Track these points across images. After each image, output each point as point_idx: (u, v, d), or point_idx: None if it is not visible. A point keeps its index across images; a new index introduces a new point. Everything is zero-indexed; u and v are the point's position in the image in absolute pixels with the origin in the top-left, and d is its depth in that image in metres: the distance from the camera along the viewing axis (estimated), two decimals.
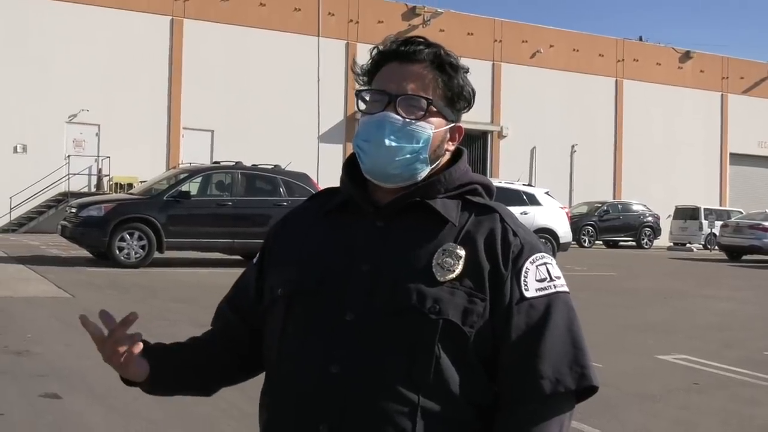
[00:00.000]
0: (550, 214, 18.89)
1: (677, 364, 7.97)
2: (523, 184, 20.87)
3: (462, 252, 1.52)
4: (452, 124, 1.62)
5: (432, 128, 1.57)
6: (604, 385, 5.75)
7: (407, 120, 1.54)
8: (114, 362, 1.57)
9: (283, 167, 17.25)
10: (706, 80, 39.30)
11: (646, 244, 31.58)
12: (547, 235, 18.36)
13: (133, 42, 27.48)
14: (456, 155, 1.64)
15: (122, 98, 27.10)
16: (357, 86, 1.65)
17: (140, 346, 1.58)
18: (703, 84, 39.19)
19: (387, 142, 1.53)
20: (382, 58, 1.59)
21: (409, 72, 1.56)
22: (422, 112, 1.55)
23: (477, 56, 31.73)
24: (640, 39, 40.04)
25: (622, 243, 31.78)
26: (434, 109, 1.57)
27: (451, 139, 1.62)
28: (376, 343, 1.48)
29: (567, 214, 20.21)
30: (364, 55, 1.66)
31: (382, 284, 1.50)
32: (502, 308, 1.51)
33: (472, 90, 1.64)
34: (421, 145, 1.55)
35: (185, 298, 10.89)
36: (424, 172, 1.57)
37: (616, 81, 37.19)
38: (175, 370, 1.67)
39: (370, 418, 1.46)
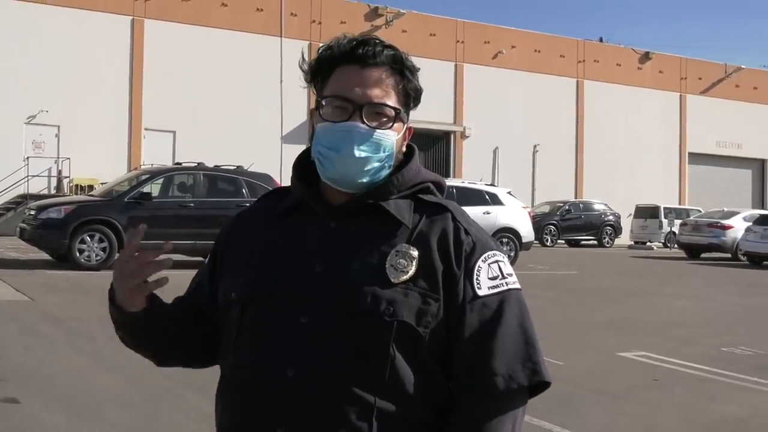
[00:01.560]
0: (513, 213, 19.00)
1: (637, 361, 8.08)
2: (486, 184, 20.97)
3: (415, 253, 1.52)
4: (406, 126, 1.61)
5: (395, 135, 1.57)
6: (566, 382, 5.82)
7: (374, 129, 1.53)
8: (130, 283, 1.52)
9: (245, 168, 17.16)
10: (665, 81, 39.83)
11: (608, 243, 31.91)
12: (509, 234, 18.47)
13: (93, 42, 27.14)
14: (407, 153, 1.64)
15: (82, 99, 26.75)
16: (306, 86, 1.62)
17: (156, 286, 1.55)
18: (662, 84, 39.72)
19: (356, 152, 1.52)
20: (337, 60, 1.56)
21: (370, 77, 1.54)
22: (387, 120, 1.55)
23: (439, 57, 31.85)
24: (601, 40, 40.48)
25: (583, 242, 32.07)
26: (398, 117, 1.57)
27: (404, 139, 1.62)
28: (331, 345, 1.48)
29: (529, 213, 20.35)
30: (312, 57, 1.63)
31: (335, 286, 1.50)
32: (456, 307, 1.52)
33: (421, 89, 1.63)
34: (387, 153, 1.55)
35: None
36: (385, 175, 1.58)
37: (577, 81, 37.54)
38: (163, 326, 1.64)
39: (327, 421, 1.47)
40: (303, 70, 1.62)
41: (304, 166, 1.63)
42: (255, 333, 1.54)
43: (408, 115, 1.61)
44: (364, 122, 1.53)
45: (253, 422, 1.51)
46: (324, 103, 1.56)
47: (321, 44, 1.65)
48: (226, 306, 1.60)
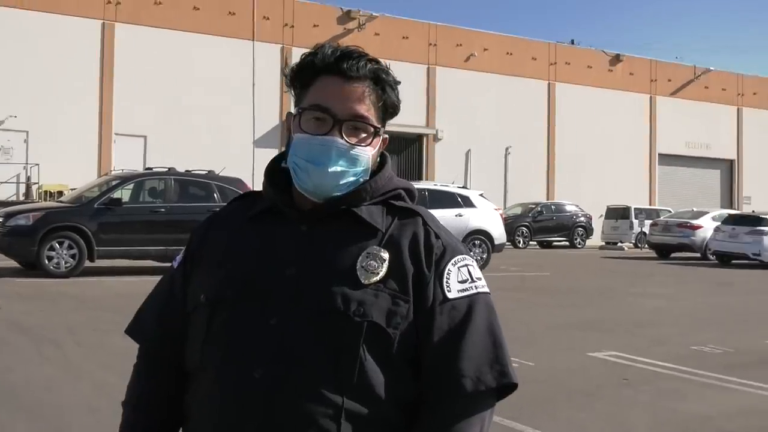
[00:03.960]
0: (485, 215, 19.04)
1: (608, 361, 8.13)
2: (458, 187, 21.01)
3: (386, 255, 1.54)
4: (382, 137, 1.62)
5: (372, 150, 1.58)
6: (537, 382, 5.83)
7: (353, 145, 1.55)
8: None
9: (216, 173, 17.07)
10: (635, 83, 40.20)
11: (579, 244, 32.12)
12: (481, 236, 18.50)
13: (62, 46, 26.89)
14: (380, 162, 1.65)
15: (51, 104, 26.50)
16: (287, 90, 1.63)
17: None
18: (633, 86, 40.08)
19: (333, 167, 1.54)
20: (320, 69, 1.57)
21: (352, 92, 1.55)
22: (367, 137, 1.57)
23: (412, 60, 31.92)
24: (572, 42, 40.78)
25: (555, 243, 32.26)
26: (377, 134, 1.58)
27: (378, 150, 1.64)
28: (300, 346, 1.48)
29: (501, 215, 20.41)
30: (294, 62, 1.63)
31: (306, 288, 1.51)
32: (426, 309, 1.53)
33: (400, 101, 1.65)
34: (362, 167, 1.57)
35: (116, 307, 10.69)
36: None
37: (549, 84, 37.77)
38: None
39: (295, 422, 1.47)
40: (285, 75, 1.63)
41: (276, 170, 1.64)
42: (223, 335, 1.53)
43: (384, 127, 1.62)
44: (343, 137, 1.54)
45: (221, 424, 1.50)
46: (303, 113, 1.57)
47: (294, 48, 1.65)
48: (194, 308, 1.59)
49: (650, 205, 37.59)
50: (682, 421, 6.02)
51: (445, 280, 1.55)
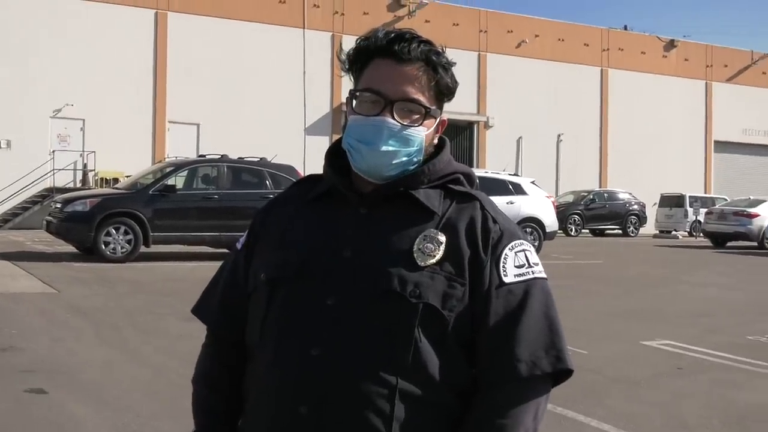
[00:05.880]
0: (536, 203, 18.92)
1: (661, 350, 8.04)
2: (510, 174, 20.89)
3: (443, 238, 1.55)
4: (439, 119, 1.64)
5: (425, 131, 1.60)
6: (589, 370, 5.79)
7: (404, 125, 1.57)
8: None
9: (269, 160, 17.23)
10: (690, 68, 39.42)
11: (632, 232, 31.70)
12: (533, 224, 18.40)
13: (117, 36, 27.31)
14: (439, 145, 1.67)
15: (107, 92, 26.95)
16: (342, 73, 1.66)
17: None
18: (688, 72, 39.32)
19: (384, 147, 1.56)
20: (373, 53, 1.59)
21: (404, 74, 1.57)
22: (418, 117, 1.58)
23: (462, 47, 31.68)
24: (625, 28, 40.11)
25: (608, 231, 31.88)
26: (429, 114, 1.60)
27: (436, 132, 1.65)
28: (357, 326, 1.51)
29: (553, 203, 20.25)
30: (349, 47, 1.65)
31: (363, 269, 1.53)
32: (482, 293, 1.54)
33: (457, 83, 1.66)
34: (416, 148, 1.58)
35: (172, 291, 10.90)
36: (415, 167, 1.61)
37: (602, 70, 37.25)
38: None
39: (350, 400, 1.49)
40: (340, 60, 1.65)
41: (336, 154, 1.66)
42: (281, 314, 1.57)
43: (441, 109, 1.64)
44: (394, 118, 1.56)
45: (277, 401, 1.54)
46: (357, 96, 1.60)
47: (345, 36, 1.68)
48: (254, 288, 1.63)
49: (706, 193, 36.91)
50: (738, 411, 5.93)
51: (501, 264, 1.56)
